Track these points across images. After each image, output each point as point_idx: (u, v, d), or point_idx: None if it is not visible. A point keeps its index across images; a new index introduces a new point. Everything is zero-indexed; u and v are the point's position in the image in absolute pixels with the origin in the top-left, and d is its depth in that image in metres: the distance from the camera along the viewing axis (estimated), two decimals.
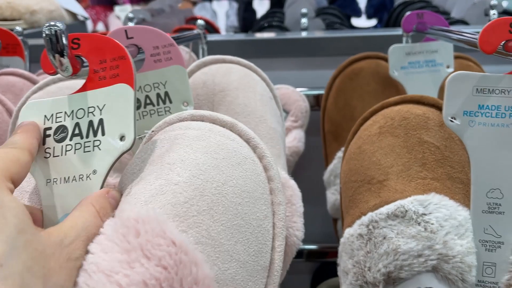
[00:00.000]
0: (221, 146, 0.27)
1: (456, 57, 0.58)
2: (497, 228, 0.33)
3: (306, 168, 0.68)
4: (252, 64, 0.42)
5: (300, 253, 0.78)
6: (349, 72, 0.57)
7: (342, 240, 0.37)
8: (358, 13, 1.65)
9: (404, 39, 0.56)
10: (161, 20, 0.87)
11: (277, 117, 0.41)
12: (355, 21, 1.64)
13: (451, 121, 0.33)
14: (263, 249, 0.27)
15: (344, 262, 0.36)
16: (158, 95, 0.36)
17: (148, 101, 0.36)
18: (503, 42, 0.31)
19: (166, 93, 0.36)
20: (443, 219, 0.33)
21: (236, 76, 0.40)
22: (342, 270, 0.36)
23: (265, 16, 0.98)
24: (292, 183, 0.38)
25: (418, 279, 0.32)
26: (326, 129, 0.60)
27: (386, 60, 0.56)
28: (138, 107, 0.36)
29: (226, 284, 0.24)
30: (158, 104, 0.36)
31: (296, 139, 0.62)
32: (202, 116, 0.28)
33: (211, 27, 0.99)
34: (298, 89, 0.66)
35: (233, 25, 1.86)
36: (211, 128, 0.27)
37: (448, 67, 0.55)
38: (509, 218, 0.33)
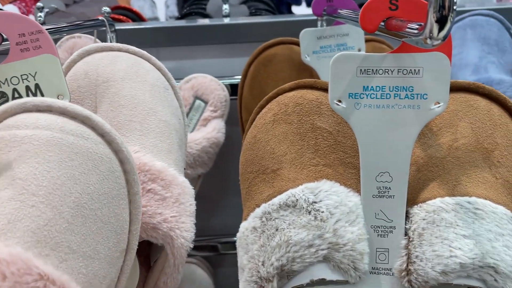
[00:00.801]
0: (75, 149, 0.26)
1: (369, 40, 0.58)
2: (388, 212, 0.32)
3: (228, 159, 0.66)
4: (144, 52, 0.39)
5: (228, 246, 0.76)
6: (263, 58, 0.56)
7: (238, 235, 0.35)
8: (297, 1, 1.64)
9: (318, 23, 0.55)
10: (77, 10, 0.83)
11: (172, 108, 0.39)
12: (295, 9, 1.64)
13: (337, 104, 0.31)
14: (121, 237, 0.29)
15: (240, 258, 0.34)
16: (28, 88, 0.32)
17: (16, 95, 0.33)
18: (384, 20, 0.30)
19: (37, 86, 0.32)
20: (333, 206, 0.32)
21: (122, 65, 0.37)
22: (239, 267, 0.35)
23: (190, 4, 0.95)
24: (182, 180, 0.35)
25: (311, 271, 0.31)
26: (243, 118, 0.59)
27: (299, 45, 0.55)
28: (5, 102, 0.32)
29: (90, 283, 0.26)
30: None
31: (215, 129, 0.60)
32: (50, 106, 0.25)
33: (138, 17, 0.95)
34: (219, 78, 0.64)
35: (173, 15, 1.81)
36: (62, 126, 0.25)
37: (359, 50, 0.54)
38: (399, 201, 0.32)
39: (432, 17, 0.25)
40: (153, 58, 0.39)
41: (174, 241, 0.34)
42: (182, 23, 0.72)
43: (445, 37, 0.25)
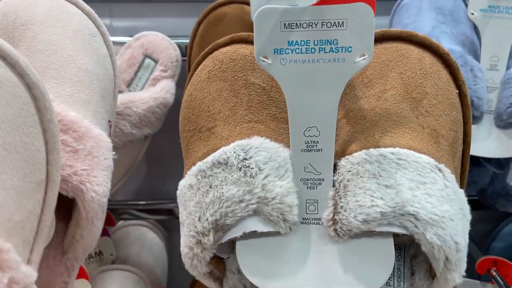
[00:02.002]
0: None
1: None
2: (316, 165, 0.33)
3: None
4: None
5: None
6: (212, 17, 0.55)
7: (177, 192, 0.36)
8: None
9: None
10: None
11: (98, 57, 0.37)
12: None
13: (263, 60, 0.31)
14: (35, 167, 0.27)
15: (181, 214, 0.36)
16: None
17: None
18: None
19: None
20: (262, 162, 0.32)
21: (44, 8, 0.35)
22: (180, 222, 0.36)
23: None
24: (97, 133, 0.34)
25: (243, 224, 0.32)
26: None
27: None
28: None
29: None
30: None
31: (164, 89, 0.59)
32: None
33: None
34: (174, 38, 0.62)
35: None
36: None
37: None
38: (327, 155, 0.33)
39: None
40: (81, 2, 0.37)
41: (85, 195, 0.33)
42: None
43: None
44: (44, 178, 0.28)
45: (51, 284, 0.39)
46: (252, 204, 0.32)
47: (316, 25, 0.30)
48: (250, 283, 0.36)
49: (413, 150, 0.32)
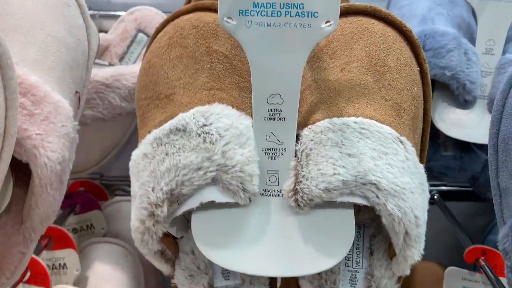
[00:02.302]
0: None
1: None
2: (279, 134, 0.32)
3: None
4: None
5: None
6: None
7: (130, 163, 0.35)
8: None
9: None
10: None
11: (71, 26, 0.37)
12: None
13: (227, 22, 0.30)
14: None
15: (133, 186, 0.34)
16: None
17: None
18: None
19: None
20: (223, 129, 0.31)
21: None
22: (132, 196, 0.35)
23: None
24: (57, 99, 0.34)
25: (200, 194, 0.31)
26: None
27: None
28: None
29: None
30: None
31: None
32: None
33: None
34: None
35: None
36: None
37: None
38: (290, 123, 0.32)
39: None
40: None
41: (37, 160, 0.33)
42: None
43: None
44: (2, 132, 0.29)
45: (8, 253, 0.39)
46: (211, 171, 0.30)
47: None
48: (204, 264, 0.36)
49: (376, 120, 0.32)
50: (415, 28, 0.53)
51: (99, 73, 0.53)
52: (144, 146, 0.33)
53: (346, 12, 0.35)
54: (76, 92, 0.39)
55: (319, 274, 0.35)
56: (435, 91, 0.54)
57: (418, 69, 0.35)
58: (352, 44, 0.34)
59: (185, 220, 0.36)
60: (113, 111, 0.56)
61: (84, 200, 0.70)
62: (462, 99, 0.52)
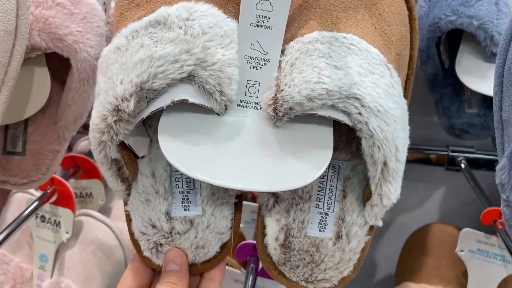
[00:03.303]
0: None
1: None
2: (264, 43, 0.31)
3: None
4: None
5: None
6: None
7: (99, 60, 0.32)
8: None
9: None
10: None
11: None
12: None
13: None
14: (4, 16, 0.29)
15: (98, 83, 0.31)
16: None
17: None
18: None
19: None
20: (207, 26, 0.29)
21: None
22: (96, 94, 0.31)
23: None
24: (92, 2, 0.37)
25: (173, 91, 0.29)
26: None
27: None
28: None
29: None
30: None
31: None
32: None
33: None
34: None
35: None
36: None
37: None
38: (277, 33, 0.30)
39: None
40: None
41: (78, 54, 0.36)
42: None
43: None
44: (13, 30, 0.31)
45: (44, 150, 0.43)
46: (188, 65, 0.28)
47: None
48: (164, 189, 0.34)
49: (365, 40, 0.31)
50: None
51: None
52: (117, 39, 0.30)
53: None
54: (104, 3, 0.41)
55: (287, 211, 0.34)
56: (462, 43, 0.53)
57: (408, 13, 0.35)
58: None
59: (149, 140, 0.35)
60: None
61: (88, 164, 0.66)
62: (490, 52, 0.50)
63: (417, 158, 0.73)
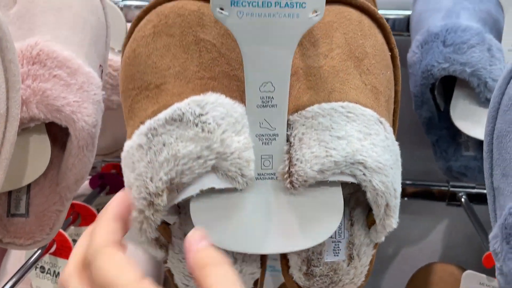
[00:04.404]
0: None
1: None
2: (271, 121, 0.34)
3: None
4: None
5: None
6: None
7: (122, 155, 0.35)
8: None
9: None
10: None
11: (92, 6, 0.41)
12: None
13: (220, 12, 0.30)
14: None
15: (127, 177, 0.34)
16: None
17: None
18: None
19: None
20: (220, 118, 0.32)
21: None
22: (126, 186, 0.34)
23: None
24: (88, 71, 0.38)
25: (200, 182, 0.32)
26: None
27: None
28: None
29: None
30: None
31: None
32: None
33: None
34: None
35: None
36: None
37: None
38: (282, 110, 0.33)
39: None
40: None
41: (76, 124, 0.37)
42: None
43: None
44: (4, 113, 0.32)
45: (47, 212, 0.43)
46: (210, 160, 0.31)
47: None
48: None
49: (359, 104, 0.34)
50: (439, 22, 0.53)
51: None
52: (137, 137, 0.33)
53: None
54: (100, 66, 0.42)
55: None
56: (456, 88, 0.53)
57: (390, 53, 0.38)
58: (332, 32, 0.36)
59: (176, 206, 0.38)
60: None
61: (115, 182, 0.74)
62: (484, 98, 0.50)
63: (419, 192, 0.74)
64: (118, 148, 0.64)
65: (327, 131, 0.33)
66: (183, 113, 0.32)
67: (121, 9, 0.68)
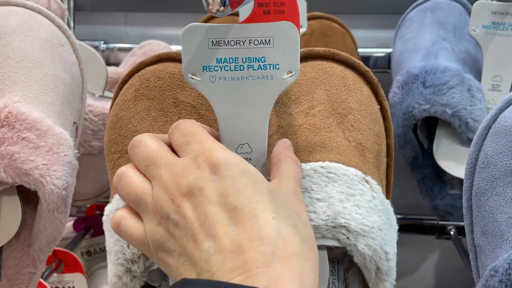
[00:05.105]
0: None
1: (318, 17, 0.56)
2: None
3: None
4: (43, 8, 0.40)
5: None
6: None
7: (103, 218, 0.35)
8: None
9: None
10: None
11: (66, 64, 0.40)
12: None
13: (192, 78, 0.30)
14: None
15: (108, 241, 0.34)
16: None
17: None
18: None
19: None
20: None
21: (16, 20, 0.38)
22: (107, 250, 0.34)
23: None
24: (59, 131, 0.37)
25: None
26: None
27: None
28: None
29: None
30: None
31: None
32: None
33: None
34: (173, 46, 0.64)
35: None
36: None
37: (301, 26, 0.53)
38: (260, 171, 0.32)
39: None
40: (52, 15, 0.40)
41: (45, 187, 0.36)
42: None
43: (224, 3, 0.24)
44: None
45: (19, 274, 0.42)
46: None
47: (243, 42, 0.30)
48: None
49: (342, 163, 0.33)
50: (418, 63, 0.53)
51: (107, 106, 0.55)
52: (116, 201, 0.33)
53: (306, 57, 0.36)
54: (74, 123, 0.41)
55: None
56: (438, 128, 0.53)
57: (379, 107, 0.37)
58: (314, 89, 0.35)
59: (160, 271, 0.36)
60: None
61: (100, 224, 0.72)
62: (466, 137, 0.50)
63: (409, 226, 0.73)
64: (100, 193, 0.63)
65: (306, 193, 0.31)
66: None
67: (103, 51, 0.68)
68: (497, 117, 0.31)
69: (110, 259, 0.33)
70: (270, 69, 0.30)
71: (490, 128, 0.31)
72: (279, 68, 0.30)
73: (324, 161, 0.32)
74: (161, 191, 0.26)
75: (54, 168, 0.36)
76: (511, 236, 0.29)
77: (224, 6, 0.25)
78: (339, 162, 0.33)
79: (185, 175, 0.26)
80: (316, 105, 0.34)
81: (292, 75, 0.30)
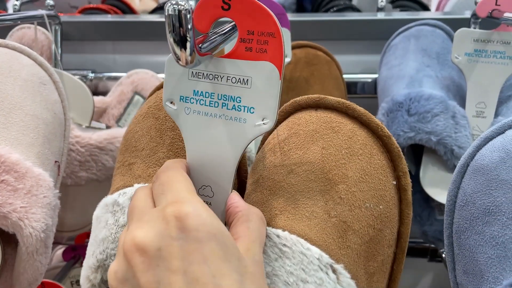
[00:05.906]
0: None
1: (303, 46, 0.57)
2: None
3: None
4: (25, 48, 0.40)
5: None
6: None
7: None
8: None
9: None
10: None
11: (47, 103, 0.40)
12: None
13: (169, 106, 0.29)
14: None
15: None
16: None
17: None
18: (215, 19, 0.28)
19: None
20: None
21: None
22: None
23: None
24: (38, 173, 0.37)
25: None
26: None
27: None
28: None
29: None
30: None
31: None
32: None
33: (128, 8, 0.97)
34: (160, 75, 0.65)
35: None
36: None
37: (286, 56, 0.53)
38: (217, 213, 0.29)
39: (170, 39, 0.24)
40: (34, 54, 0.41)
41: (23, 230, 0.36)
42: (133, 18, 0.73)
43: (192, 59, 0.24)
44: None
45: None
46: None
47: (221, 78, 0.28)
48: None
49: (305, 239, 0.27)
50: (403, 90, 0.53)
51: (94, 137, 0.55)
52: (98, 208, 0.34)
53: (316, 105, 0.31)
54: (56, 161, 0.41)
55: None
56: (424, 156, 0.53)
57: (394, 183, 0.30)
58: (310, 144, 0.30)
59: None
60: (107, 172, 0.58)
61: None
62: (452, 164, 0.50)
63: None
64: (87, 224, 0.63)
65: None
66: (124, 200, 0.32)
67: (91, 80, 0.68)
68: (475, 155, 0.31)
69: (85, 260, 0.33)
70: (244, 111, 0.28)
71: (468, 165, 0.31)
72: (253, 112, 0.28)
73: (284, 230, 0.28)
74: (122, 242, 0.24)
75: (32, 211, 0.36)
76: (491, 276, 0.29)
77: (191, 55, 0.25)
78: (301, 237, 0.27)
79: (146, 228, 0.23)
80: (305, 163, 0.29)
81: (267, 123, 0.27)
